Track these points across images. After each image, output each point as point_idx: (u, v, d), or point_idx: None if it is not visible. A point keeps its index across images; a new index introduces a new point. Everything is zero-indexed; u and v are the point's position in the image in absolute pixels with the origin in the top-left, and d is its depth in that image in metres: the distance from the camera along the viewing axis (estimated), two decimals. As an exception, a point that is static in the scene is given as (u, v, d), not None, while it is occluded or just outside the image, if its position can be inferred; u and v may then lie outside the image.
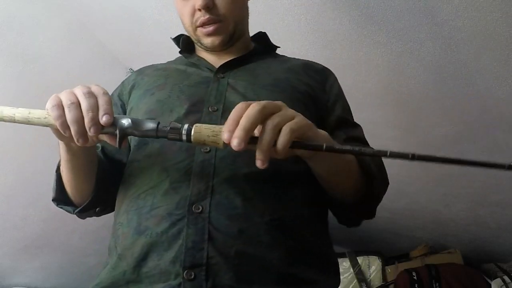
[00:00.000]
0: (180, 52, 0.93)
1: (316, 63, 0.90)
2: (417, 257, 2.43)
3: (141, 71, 0.90)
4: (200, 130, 0.55)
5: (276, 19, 1.32)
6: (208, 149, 0.67)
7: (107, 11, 1.50)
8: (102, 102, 0.57)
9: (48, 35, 1.53)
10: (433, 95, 1.46)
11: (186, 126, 0.56)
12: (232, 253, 0.60)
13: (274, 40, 0.95)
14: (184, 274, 0.58)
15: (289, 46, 1.40)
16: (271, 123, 0.53)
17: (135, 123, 0.58)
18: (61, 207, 0.80)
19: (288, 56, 0.93)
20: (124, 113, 0.84)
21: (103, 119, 0.56)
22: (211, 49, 0.84)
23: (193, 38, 0.86)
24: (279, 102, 0.56)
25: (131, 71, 1.75)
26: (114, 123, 0.57)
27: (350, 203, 0.71)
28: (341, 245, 2.92)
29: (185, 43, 0.91)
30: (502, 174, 1.72)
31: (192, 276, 0.58)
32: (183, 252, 0.60)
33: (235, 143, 0.52)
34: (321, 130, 0.60)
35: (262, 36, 0.93)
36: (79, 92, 0.57)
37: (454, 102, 1.46)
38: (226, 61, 0.82)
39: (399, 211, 2.31)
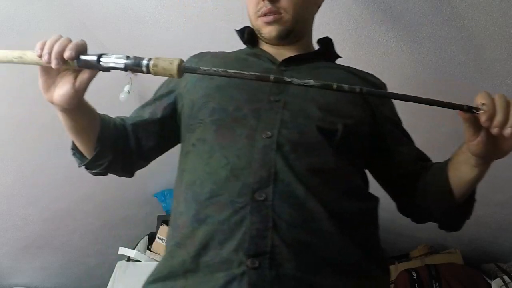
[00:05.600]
0: (244, 42, 0.94)
1: (374, 76, 0.92)
2: (417, 257, 2.42)
3: (199, 56, 0.91)
4: (157, 61, 0.60)
5: (276, 19, 1.32)
6: (270, 134, 0.68)
7: (107, 11, 1.50)
8: (72, 43, 0.64)
9: (48, 35, 1.53)
10: (433, 95, 1.45)
11: (145, 60, 0.61)
12: (296, 242, 0.60)
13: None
14: (248, 263, 0.57)
15: (289, 46, 1.40)
16: None
17: (103, 56, 0.64)
18: (74, 156, 0.82)
19: None
20: (175, 100, 0.87)
21: (66, 54, 0.62)
22: (269, 40, 0.86)
23: (255, 28, 0.88)
24: None
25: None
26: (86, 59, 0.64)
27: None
28: (341, 245, 2.91)
29: (249, 35, 0.93)
30: (502, 174, 1.72)
31: (256, 265, 0.57)
32: (246, 240, 0.59)
33: None
34: None
35: (327, 42, 0.94)
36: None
37: (454, 102, 1.46)
38: (286, 56, 0.84)
39: (399, 211, 2.31)
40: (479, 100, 0.62)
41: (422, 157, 0.84)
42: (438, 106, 0.63)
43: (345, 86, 0.60)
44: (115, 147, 0.79)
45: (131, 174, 0.88)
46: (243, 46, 0.96)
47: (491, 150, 0.62)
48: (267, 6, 0.82)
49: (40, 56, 0.64)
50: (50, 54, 0.63)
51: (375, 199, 0.75)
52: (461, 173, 0.68)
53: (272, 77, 0.60)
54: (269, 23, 0.83)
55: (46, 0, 1.46)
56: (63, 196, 2.15)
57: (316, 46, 0.95)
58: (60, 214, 2.23)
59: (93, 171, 0.81)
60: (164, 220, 2.36)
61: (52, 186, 2.07)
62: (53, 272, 2.55)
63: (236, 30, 0.96)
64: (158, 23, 1.47)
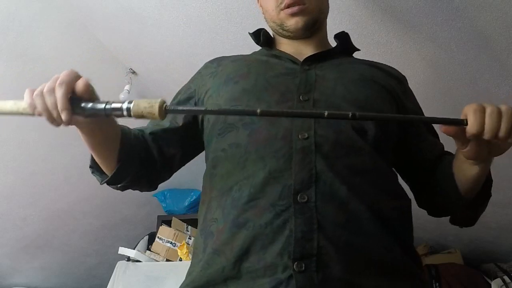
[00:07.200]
0: (260, 44, 0.93)
1: (395, 69, 0.91)
2: (417, 257, 2.43)
3: (217, 61, 0.89)
4: (138, 103, 0.57)
5: (276, 19, 1.32)
6: (306, 135, 0.67)
7: (107, 11, 1.50)
8: (58, 99, 0.57)
9: (48, 35, 1.53)
10: (433, 95, 1.46)
11: (126, 103, 0.58)
12: (342, 243, 0.59)
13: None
14: (294, 266, 0.56)
15: (289, 46, 1.40)
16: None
17: (90, 107, 0.59)
18: (94, 175, 0.78)
19: None
20: (193, 101, 0.84)
21: (62, 117, 0.58)
22: (294, 33, 0.84)
23: (276, 24, 0.86)
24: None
25: (131, 71, 1.75)
26: (77, 106, 0.59)
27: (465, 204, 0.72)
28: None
29: (264, 37, 0.91)
30: (502, 174, 1.72)
31: (303, 268, 0.56)
32: (291, 243, 0.58)
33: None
34: None
35: (344, 36, 0.92)
36: (46, 87, 0.59)
37: (454, 102, 1.46)
38: (306, 54, 0.83)
39: (399, 211, 2.31)
40: (467, 114, 0.59)
41: (443, 152, 0.83)
42: (436, 123, 0.62)
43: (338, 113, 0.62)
44: (138, 159, 0.76)
45: (154, 188, 0.84)
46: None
47: (484, 151, 0.61)
48: None
49: (40, 115, 0.60)
50: (55, 120, 0.60)
51: (408, 198, 0.74)
52: (463, 170, 0.68)
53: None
54: (294, 14, 0.82)
55: (46, 0, 1.46)
56: (63, 196, 2.15)
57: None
58: (60, 214, 2.23)
59: (119, 185, 0.77)
60: (164, 220, 2.35)
61: (52, 186, 2.08)
62: (53, 272, 2.55)
63: (250, 33, 0.94)
64: (158, 23, 1.47)
